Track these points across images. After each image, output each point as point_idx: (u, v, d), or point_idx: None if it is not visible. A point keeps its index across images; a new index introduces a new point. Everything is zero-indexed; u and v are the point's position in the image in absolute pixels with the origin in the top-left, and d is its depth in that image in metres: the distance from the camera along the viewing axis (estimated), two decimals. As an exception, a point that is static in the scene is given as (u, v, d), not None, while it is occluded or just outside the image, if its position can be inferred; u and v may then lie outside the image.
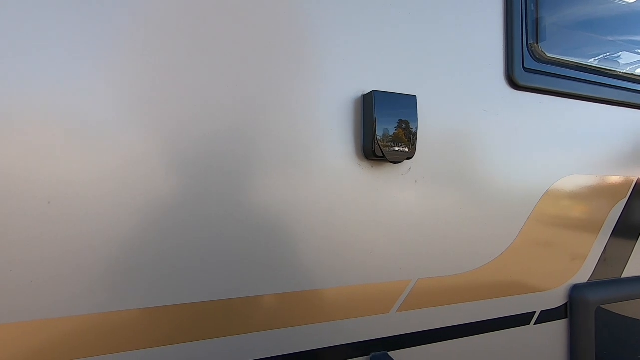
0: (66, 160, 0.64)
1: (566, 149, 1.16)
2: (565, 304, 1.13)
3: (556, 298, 1.12)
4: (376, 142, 0.82)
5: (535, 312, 1.08)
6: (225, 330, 0.74)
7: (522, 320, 1.06)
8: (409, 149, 0.86)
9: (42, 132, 0.63)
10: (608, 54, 1.38)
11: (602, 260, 1.21)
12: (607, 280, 1.19)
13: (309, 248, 0.81)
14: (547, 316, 1.10)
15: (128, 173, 0.68)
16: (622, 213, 1.25)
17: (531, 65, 1.06)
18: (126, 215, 0.67)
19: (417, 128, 0.87)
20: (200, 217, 0.72)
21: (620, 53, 1.40)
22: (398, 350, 0.89)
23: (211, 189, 0.73)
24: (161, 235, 0.70)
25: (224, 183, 0.74)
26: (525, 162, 1.08)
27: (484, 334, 1.00)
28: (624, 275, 1.24)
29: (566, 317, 1.13)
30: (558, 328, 1.13)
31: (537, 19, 1.09)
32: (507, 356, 1.04)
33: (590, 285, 1.16)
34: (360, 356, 0.85)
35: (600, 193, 1.21)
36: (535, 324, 1.08)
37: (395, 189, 0.90)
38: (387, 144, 0.83)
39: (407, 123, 0.86)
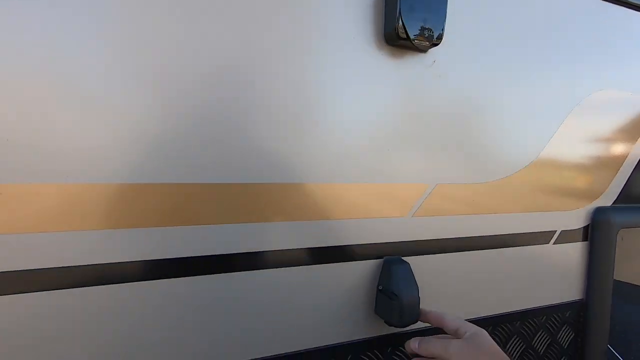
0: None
1: (603, 60, 1.06)
2: (587, 226, 1.09)
3: (578, 219, 1.07)
4: (401, 21, 0.72)
5: (555, 231, 1.03)
6: (245, 217, 0.69)
7: (542, 238, 1.01)
8: (435, 35, 0.76)
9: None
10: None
11: (630, 184, 1.14)
12: (632, 206, 1.13)
13: (321, 141, 0.74)
14: (567, 236, 1.05)
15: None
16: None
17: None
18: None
19: (445, 12, 0.77)
20: (209, 105, 0.65)
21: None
22: (413, 257, 0.84)
23: (218, 77, 0.65)
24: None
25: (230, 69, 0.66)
26: (560, 69, 0.99)
27: (501, 249, 0.96)
28: (649, 202, 1.19)
29: (586, 240, 1.09)
30: (577, 249, 1.08)
31: None
32: (523, 273, 1.00)
33: (614, 208, 1.10)
34: (374, 258, 0.81)
35: (637, 110, 1.12)
36: (554, 243, 1.03)
37: (417, 83, 0.82)
38: (413, 26, 0.74)
39: (435, 4, 0.76)
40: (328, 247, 0.77)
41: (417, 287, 0.79)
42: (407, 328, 0.82)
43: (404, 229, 0.83)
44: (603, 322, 1.09)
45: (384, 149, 0.79)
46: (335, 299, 0.79)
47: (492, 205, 0.93)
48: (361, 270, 0.81)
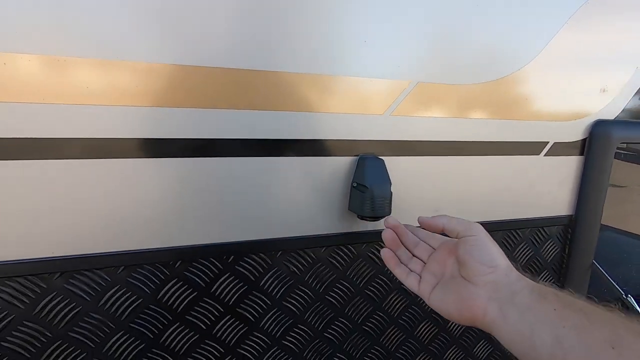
0: None
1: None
2: (584, 139, 1.04)
3: (574, 131, 1.02)
4: None
5: (547, 143, 1.00)
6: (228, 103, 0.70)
7: (532, 148, 0.98)
8: None
9: None
10: None
11: (638, 99, 1.07)
12: (634, 121, 1.07)
13: (299, 29, 0.72)
14: (561, 149, 1.02)
15: None
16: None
17: None
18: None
19: None
20: None
21: None
22: (389, 157, 0.84)
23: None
24: None
25: None
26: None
27: (486, 156, 0.94)
28: (659, 119, 1.11)
29: (582, 154, 1.05)
30: (571, 163, 1.04)
31: None
32: (509, 184, 0.99)
33: (614, 122, 1.04)
34: (347, 155, 0.82)
35: (654, 12, 1.01)
36: (546, 155, 1.00)
37: (399, -31, 0.76)
38: None
39: None
40: (305, 139, 0.78)
41: (390, 182, 0.79)
42: (375, 226, 0.85)
43: (381, 127, 0.82)
44: (591, 238, 1.08)
45: (360, 39, 0.77)
46: (312, 193, 0.81)
47: (478, 110, 0.90)
48: (337, 167, 0.81)
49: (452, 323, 1.02)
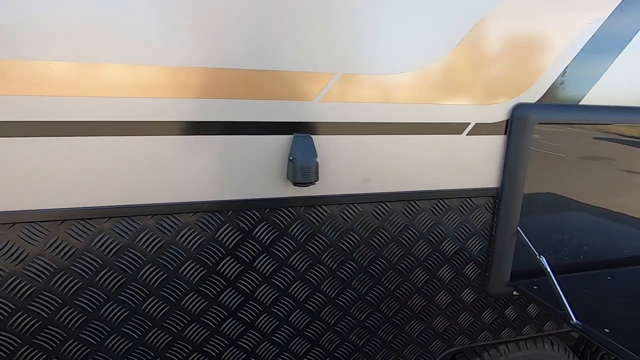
0: None
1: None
2: (507, 120, 1.18)
3: (495, 113, 1.17)
4: None
5: (469, 124, 1.15)
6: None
7: (453, 129, 1.14)
8: None
9: None
10: None
11: (559, 83, 1.19)
12: (555, 104, 1.19)
13: (229, 27, 0.92)
14: (482, 129, 1.17)
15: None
16: (596, 32, 1.18)
17: None
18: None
19: None
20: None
21: None
22: (321, 136, 1.03)
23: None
24: None
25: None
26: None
27: (410, 135, 1.11)
28: (582, 102, 1.23)
29: (505, 134, 1.19)
30: (495, 142, 1.19)
31: None
32: (434, 159, 1.15)
33: (532, 105, 1.18)
34: (285, 134, 1.01)
35: (575, 3, 1.13)
36: (468, 134, 1.16)
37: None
38: None
39: None
40: (250, 122, 0.98)
41: (315, 155, 0.99)
42: (311, 193, 1.05)
43: (312, 111, 1.01)
44: (515, 209, 1.23)
45: (292, 36, 0.95)
46: (258, 164, 1.01)
47: (400, 96, 1.06)
48: (277, 144, 1.01)
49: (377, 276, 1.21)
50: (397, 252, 1.19)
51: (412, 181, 1.15)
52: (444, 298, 1.29)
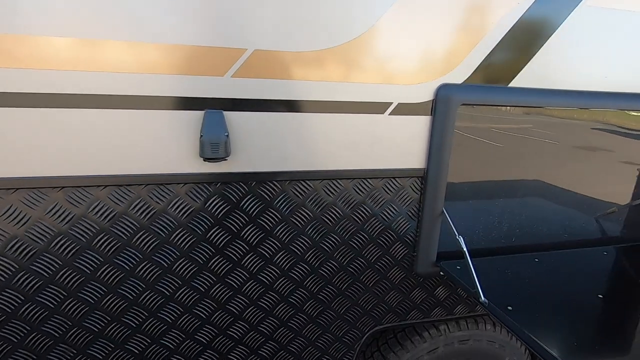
0: None
1: None
2: (432, 100, 1.18)
3: (419, 93, 1.16)
4: None
5: (391, 103, 1.15)
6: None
7: (375, 108, 1.14)
8: None
9: None
10: None
11: (485, 65, 1.19)
12: (479, 85, 1.19)
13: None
14: (406, 109, 1.17)
15: None
16: (524, 13, 1.16)
17: None
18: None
19: None
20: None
21: None
22: (233, 112, 1.03)
23: None
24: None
25: None
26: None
27: (330, 114, 1.11)
28: (511, 84, 1.23)
29: (430, 114, 1.19)
30: (420, 122, 1.19)
31: None
32: (356, 138, 1.15)
33: (456, 86, 1.17)
34: (196, 109, 1.01)
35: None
36: (390, 114, 1.16)
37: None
38: None
39: None
40: (162, 96, 0.98)
41: (224, 131, 0.99)
42: (227, 169, 1.05)
43: (223, 87, 1.00)
44: (440, 190, 1.24)
45: (202, 10, 0.94)
46: (168, 140, 1.02)
47: (318, 74, 1.06)
48: (187, 120, 1.01)
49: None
50: (320, 230, 1.21)
51: (333, 160, 1.16)
52: (371, 276, 1.32)
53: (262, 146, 1.08)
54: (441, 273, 1.32)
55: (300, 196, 1.16)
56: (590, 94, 1.30)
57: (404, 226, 1.29)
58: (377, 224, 1.26)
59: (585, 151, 1.43)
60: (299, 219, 1.18)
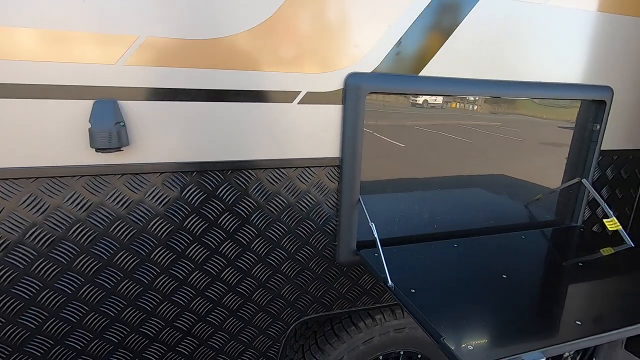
0: None
1: None
2: (342, 89, 1.18)
3: (329, 82, 1.17)
4: None
5: (299, 92, 1.15)
6: None
7: (282, 97, 1.13)
8: None
9: None
10: None
11: (394, 53, 1.20)
12: (388, 74, 1.21)
13: None
14: (316, 98, 1.17)
15: None
16: (432, 1, 1.18)
17: None
18: None
19: None
20: None
21: None
22: (126, 101, 1.00)
23: None
24: None
25: None
26: None
27: (235, 103, 1.09)
28: (422, 73, 1.25)
29: (341, 103, 1.20)
30: (331, 111, 1.20)
31: None
32: (267, 127, 1.15)
33: (364, 75, 1.18)
34: (86, 99, 0.97)
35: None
36: (299, 103, 1.15)
37: None
38: None
39: None
40: (44, 84, 0.94)
41: (115, 119, 0.96)
42: (124, 160, 1.03)
43: (114, 75, 0.97)
44: (355, 177, 1.25)
45: (80, -2, 0.91)
46: (59, 130, 0.98)
47: (217, 61, 1.04)
48: (78, 110, 0.97)
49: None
50: (233, 222, 1.20)
51: (244, 150, 1.15)
52: (292, 267, 1.31)
53: (165, 136, 1.06)
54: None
55: (210, 187, 1.14)
56: (501, 83, 1.35)
57: (324, 216, 1.29)
58: (295, 214, 1.26)
59: (515, 141, 1.48)
60: (211, 212, 1.16)
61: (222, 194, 1.15)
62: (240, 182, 1.16)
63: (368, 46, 1.17)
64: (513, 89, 1.34)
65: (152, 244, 1.13)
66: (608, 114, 1.53)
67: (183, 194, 1.11)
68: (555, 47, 1.38)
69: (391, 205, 1.37)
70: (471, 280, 1.13)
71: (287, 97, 1.14)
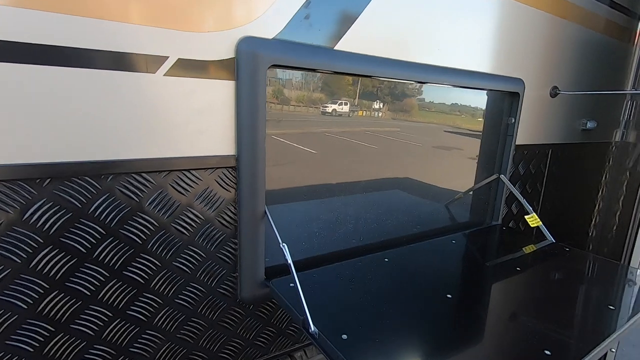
0: None
1: None
2: (234, 58, 0.85)
3: (211, 46, 0.82)
4: None
5: (166, 58, 0.78)
6: None
7: (139, 64, 0.75)
8: None
9: None
10: None
11: (303, 16, 0.92)
12: (298, 43, 0.92)
13: None
14: (193, 68, 0.81)
15: None
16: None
17: None
18: None
19: None
20: None
21: None
22: None
23: None
24: None
25: None
26: None
27: (47, 66, 0.68)
28: (337, 47, 1.00)
29: (233, 79, 0.86)
30: (217, 89, 0.84)
31: None
32: (111, 113, 0.74)
33: (265, 41, 0.87)
34: None
35: None
36: (166, 75, 0.78)
37: None
38: None
39: None
40: None
41: None
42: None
43: None
44: (258, 182, 0.92)
45: None
46: None
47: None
48: None
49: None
50: (61, 263, 0.73)
51: (73, 147, 0.72)
52: (171, 318, 0.91)
53: None
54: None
55: (20, 205, 0.68)
56: (422, 67, 1.17)
57: (217, 238, 0.92)
58: (170, 240, 0.86)
59: (438, 149, 1.31)
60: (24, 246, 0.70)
61: (35, 215, 0.70)
62: (71, 198, 0.73)
63: (267, 4, 0.86)
64: (431, 73, 1.16)
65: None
66: (521, 107, 1.49)
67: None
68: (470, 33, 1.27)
69: (306, 216, 1.07)
70: (417, 310, 0.87)
71: (146, 64, 0.75)
